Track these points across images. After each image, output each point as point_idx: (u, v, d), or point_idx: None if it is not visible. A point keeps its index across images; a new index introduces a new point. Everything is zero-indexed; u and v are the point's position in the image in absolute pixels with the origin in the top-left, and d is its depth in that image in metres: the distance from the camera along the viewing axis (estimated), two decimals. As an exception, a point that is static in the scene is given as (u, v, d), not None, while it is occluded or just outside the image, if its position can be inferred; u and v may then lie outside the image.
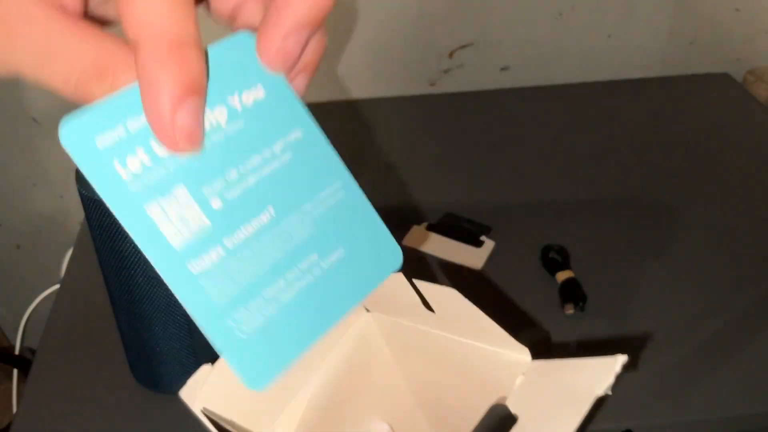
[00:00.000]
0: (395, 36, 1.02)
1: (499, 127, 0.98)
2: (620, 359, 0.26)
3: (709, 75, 1.08)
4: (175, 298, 0.23)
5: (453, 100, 1.04)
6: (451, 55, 1.05)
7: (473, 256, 0.75)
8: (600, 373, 0.26)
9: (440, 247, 0.76)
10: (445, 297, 0.30)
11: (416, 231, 0.78)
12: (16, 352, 1.00)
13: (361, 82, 1.06)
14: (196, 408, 0.31)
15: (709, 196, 0.84)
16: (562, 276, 0.71)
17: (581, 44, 1.06)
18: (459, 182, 0.88)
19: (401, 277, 0.30)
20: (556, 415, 0.26)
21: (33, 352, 0.76)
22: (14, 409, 0.98)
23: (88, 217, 0.51)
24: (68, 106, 0.21)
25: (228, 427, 0.30)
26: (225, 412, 0.32)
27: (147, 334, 0.56)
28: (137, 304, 0.54)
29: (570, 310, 0.68)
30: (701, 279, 0.72)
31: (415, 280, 0.30)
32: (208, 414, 0.30)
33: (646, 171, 0.88)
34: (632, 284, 0.72)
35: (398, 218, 0.80)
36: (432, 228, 0.78)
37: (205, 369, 0.31)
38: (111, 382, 0.63)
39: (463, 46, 1.04)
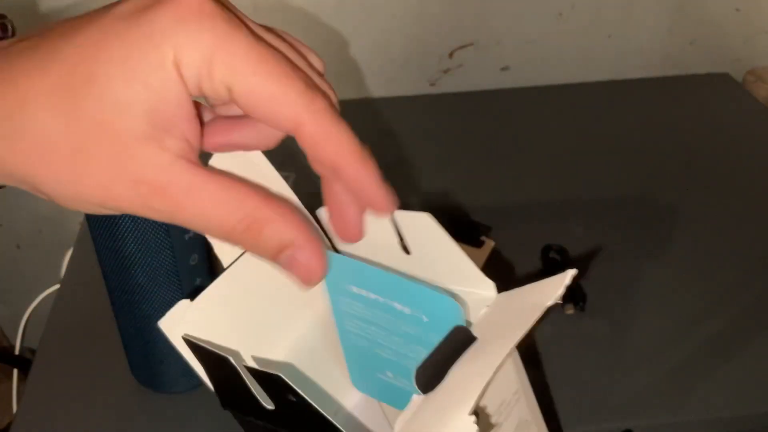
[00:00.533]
0: (395, 36, 1.02)
1: (499, 127, 0.98)
2: (570, 273, 0.27)
3: (709, 75, 1.08)
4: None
5: (453, 100, 1.04)
6: (451, 55, 1.05)
7: (473, 256, 0.74)
8: (551, 288, 0.28)
9: (440, 247, 0.76)
10: (419, 225, 0.32)
11: (416, 231, 0.78)
12: (16, 352, 1.00)
13: (361, 82, 1.06)
14: (176, 335, 0.31)
15: (709, 196, 0.84)
16: (562, 276, 0.70)
17: (581, 44, 1.06)
18: (459, 182, 0.88)
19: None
20: (508, 328, 0.28)
21: (33, 352, 0.76)
22: (14, 409, 0.98)
23: (88, 217, 0.51)
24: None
25: (211, 348, 0.29)
26: (207, 338, 0.31)
27: (147, 334, 0.56)
28: (137, 305, 0.54)
29: (570, 310, 0.68)
30: (701, 279, 0.72)
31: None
32: (189, 338, 0.30)
33: (646, 171, 0.88)
34: (632, 284, 0.72)
35: (398, 218, 0.80)
36: (432, 228, 0.78)
37: (183, 303, 0.31)
38: (111, 382, 0.63)
39: (463, 46, 1.04)
